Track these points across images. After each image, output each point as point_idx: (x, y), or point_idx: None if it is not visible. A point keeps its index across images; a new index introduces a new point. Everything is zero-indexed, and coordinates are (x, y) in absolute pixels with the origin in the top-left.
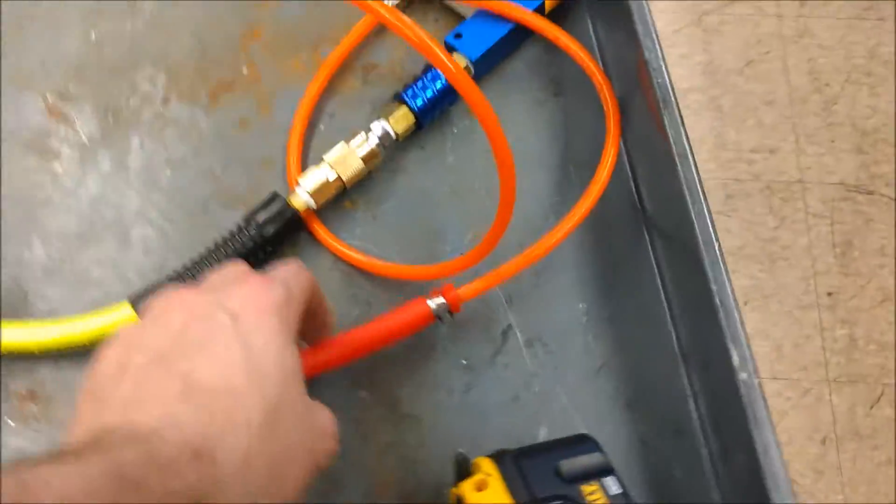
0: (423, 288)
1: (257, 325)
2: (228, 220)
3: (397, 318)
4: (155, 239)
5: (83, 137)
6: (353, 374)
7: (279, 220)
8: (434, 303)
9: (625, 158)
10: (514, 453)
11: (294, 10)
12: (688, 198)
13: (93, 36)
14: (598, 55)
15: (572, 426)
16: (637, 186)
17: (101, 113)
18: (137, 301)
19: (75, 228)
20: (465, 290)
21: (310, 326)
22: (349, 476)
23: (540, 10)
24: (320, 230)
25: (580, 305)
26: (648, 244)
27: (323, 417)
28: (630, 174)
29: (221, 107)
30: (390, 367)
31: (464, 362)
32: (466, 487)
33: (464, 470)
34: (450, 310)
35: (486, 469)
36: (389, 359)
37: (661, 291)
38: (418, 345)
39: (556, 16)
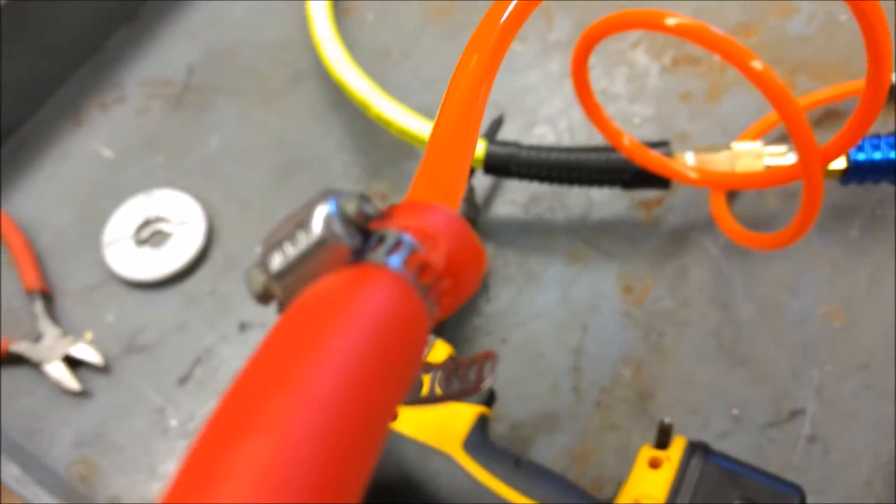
0: None
1: None
2: None
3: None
4: (549, 139)
5: (550, 36)
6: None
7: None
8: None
9: None
10: (712, 454)
11: (800, 27)
12: None
13: None
14: None
15: None
16: None
17: (578, 27)
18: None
19: (497, 99)
20: None
21: None
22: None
23: None
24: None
25: (892, 443)
26: None
27: None
28: None
29: (676, 73)
30: (660, 391)
31: (735, 412)
32: (644, 455)
33: (664, 438)
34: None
35: (674, 452)
36: (665, 377)
37: None
38: (701, 364)
39: None
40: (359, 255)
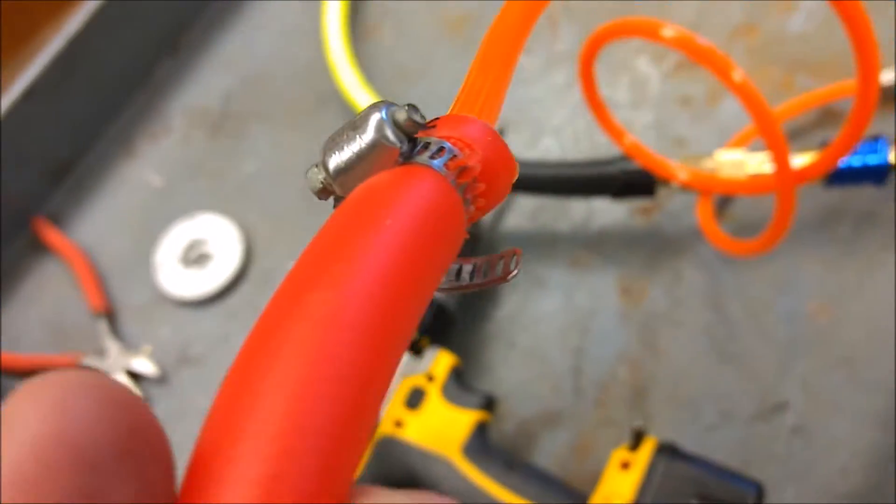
0: None
1: None
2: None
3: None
4: (555, 150)
5: (556, 47)
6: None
7: (637, 175)
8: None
9: None
10: (678, 454)
11: (799, 24)
12: None
13: None
14: None
15: None
16: None
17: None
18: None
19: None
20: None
21: None
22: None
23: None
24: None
25: (869, 433)
26: None
27: None
28: None
29: (677, 79)
30: (655, 388)
31: (723, 406)
32: (617, 457)
33: (636, 441)
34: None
35: (643, 453)
36: (659, 374)
37: None
38: (693, 360)
39: None
40: (407, 159)
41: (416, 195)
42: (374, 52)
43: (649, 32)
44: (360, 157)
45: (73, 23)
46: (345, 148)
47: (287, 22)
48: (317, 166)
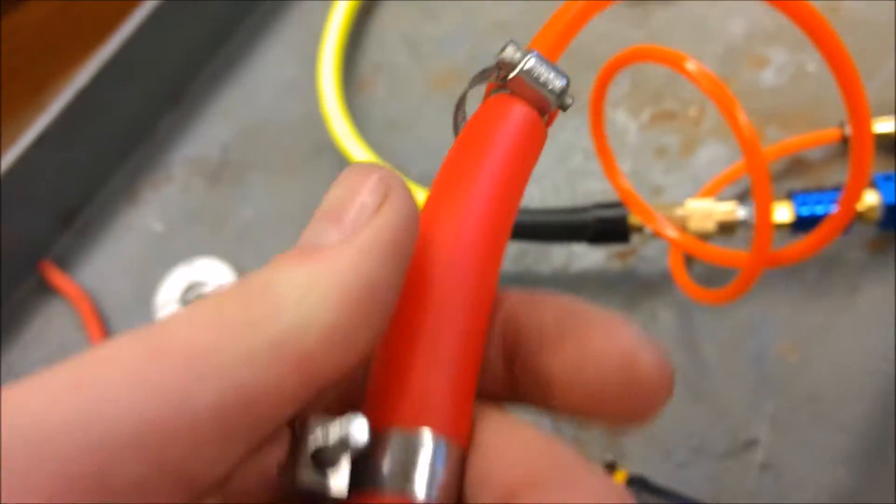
0: None
1: None
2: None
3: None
4: (537, 197)
5: None
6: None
7: (611, 222)
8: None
9: None
10: (647, 486)
11: (771, 78)
12: None
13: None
14: None
15: None
16: None
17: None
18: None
19: None
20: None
21: None
22: None
23: None
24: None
25: (835, 469)
26: None
27: None
28: None
29: (653, 130)
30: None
31: (695, 443)
32: None
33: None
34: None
35: None
36: None
37: None
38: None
39: None
40: (538, 112)
41: (537, 133)
42: (367, 105)
43: (673, 62)
44: (536, 87)
45: (82, 77)
46: (540, 72)
47: (284, 76)
48: (519, 50)
